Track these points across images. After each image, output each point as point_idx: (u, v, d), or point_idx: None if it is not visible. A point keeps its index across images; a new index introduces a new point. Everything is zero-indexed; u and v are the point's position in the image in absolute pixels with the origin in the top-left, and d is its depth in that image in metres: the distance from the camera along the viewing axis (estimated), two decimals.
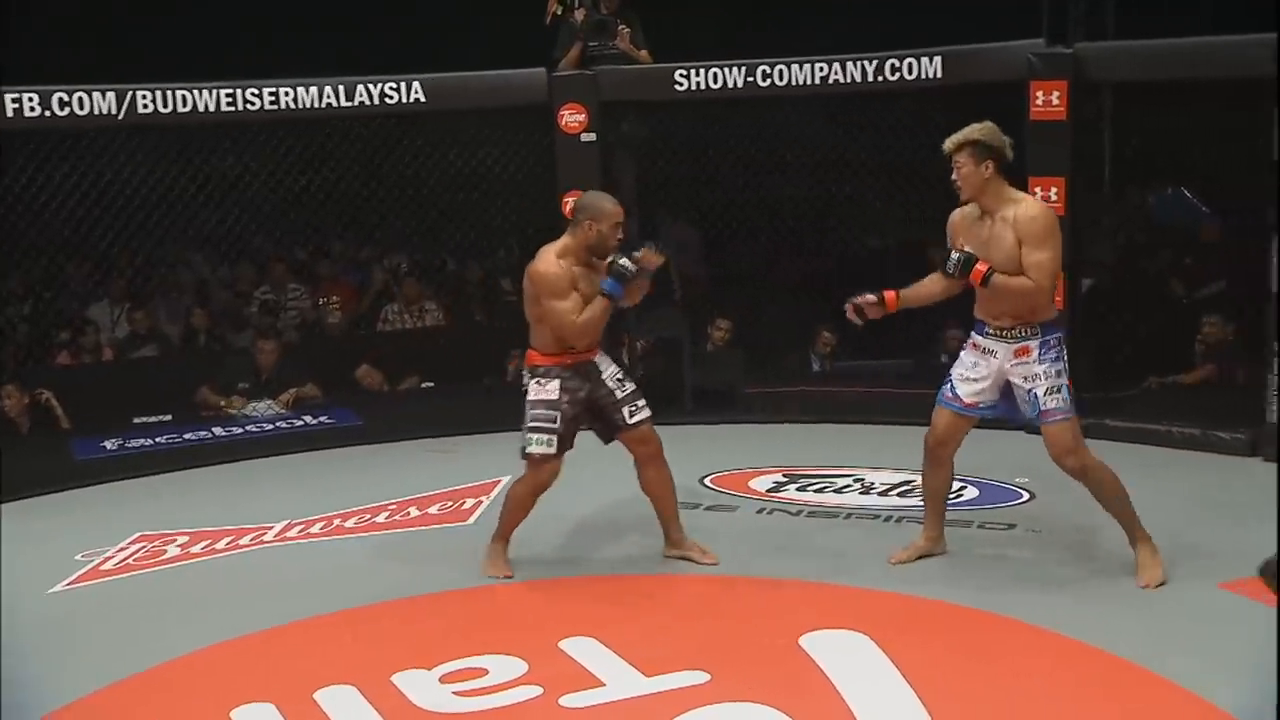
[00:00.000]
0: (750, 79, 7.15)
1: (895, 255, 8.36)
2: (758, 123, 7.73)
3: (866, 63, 7.00)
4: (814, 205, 8.15)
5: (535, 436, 4.92)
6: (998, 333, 4.75)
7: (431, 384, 8.37)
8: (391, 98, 7.12)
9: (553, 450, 4.91)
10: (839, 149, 7.78)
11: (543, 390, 4.92)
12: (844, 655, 4.26)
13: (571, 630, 4.51)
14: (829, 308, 7.78)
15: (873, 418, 7.20)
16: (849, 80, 7.04)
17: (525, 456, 4.96)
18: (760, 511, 5.88)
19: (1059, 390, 4.69)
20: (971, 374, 4.83)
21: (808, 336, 7.89)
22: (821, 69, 7.06)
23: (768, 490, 6.16)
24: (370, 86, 7.10)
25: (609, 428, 5.04)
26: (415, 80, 7.12)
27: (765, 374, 7.83)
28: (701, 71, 7.20)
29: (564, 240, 4.92)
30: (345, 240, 9.61)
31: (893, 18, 8.75)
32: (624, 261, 4.81)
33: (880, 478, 6.23)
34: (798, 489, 6.15)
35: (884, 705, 3.92)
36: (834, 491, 6.08)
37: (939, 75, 6.89)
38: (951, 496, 5.81)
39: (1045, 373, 4.69)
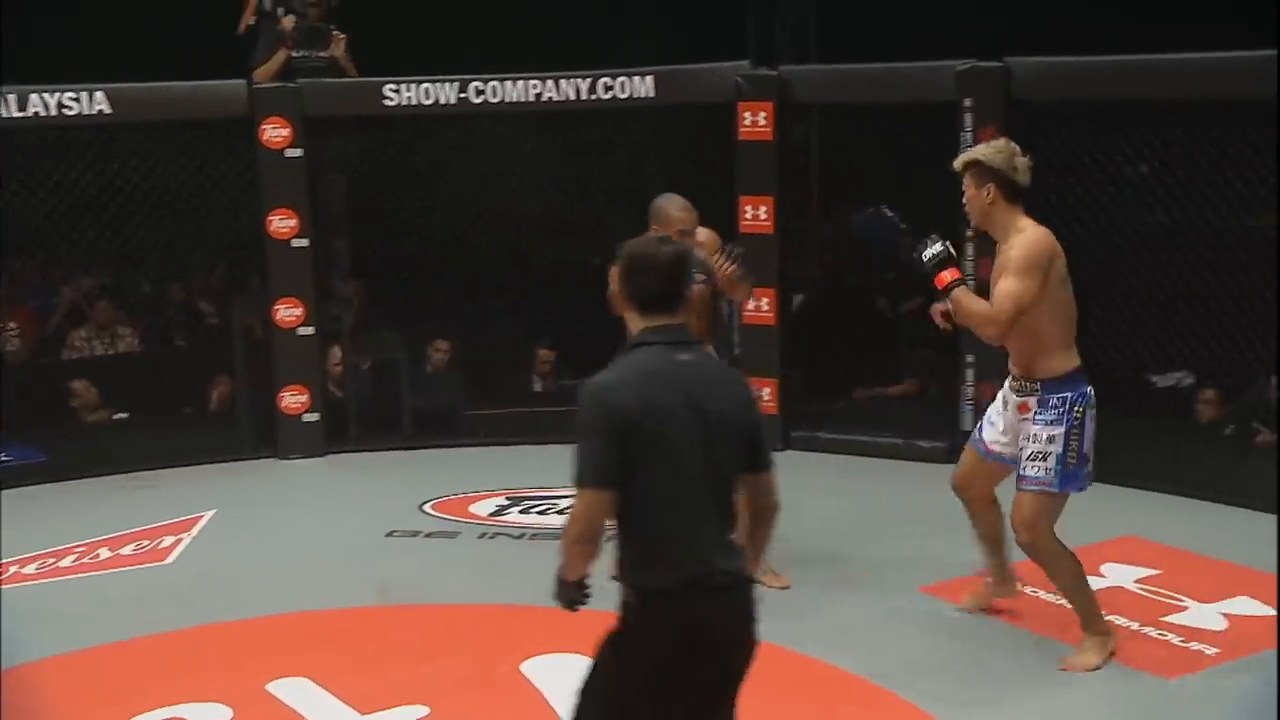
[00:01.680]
0: (463, 95, 7.01)
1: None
2: (474, 139, 7.61)
3: (580, 80, 6.99)
4: (534, 223, 8.07)
5: None
6: (1012, 381, 4.29)
7: (125, 414, 7.81)
8: (71, 108, 6.60)
9: None
10: (556, 166, 7.74)
11: None
12: (567, 679, 4.16)
13: (281, 671, 4.28)
14: (548, 326, 7.78)
15: None
16: (563, 97, 7.01)
17: None
18: (483, 536, 5.75)
19: (1044, 459, 4.13)
20: (994, 418, 4.41)
21: (528, 356, 7.81)
22: (535, 85, 7.00)
23: (490, 514, 6.03)
24: (47, 96, 6.56)
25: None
26: (98, 90, 6.62)
27: (486, 395, 7.69)
28: (413, 86, 7.00)
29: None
30: (25, 259, 8.85)
31: (611, 35, 8.81)
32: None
33: None
34: (520, 511, 6.05)
35: None
36: (557, 513, 5.99)
37: (651, 94, 6.94)
38: None
39: (1035, 436, 4.15)
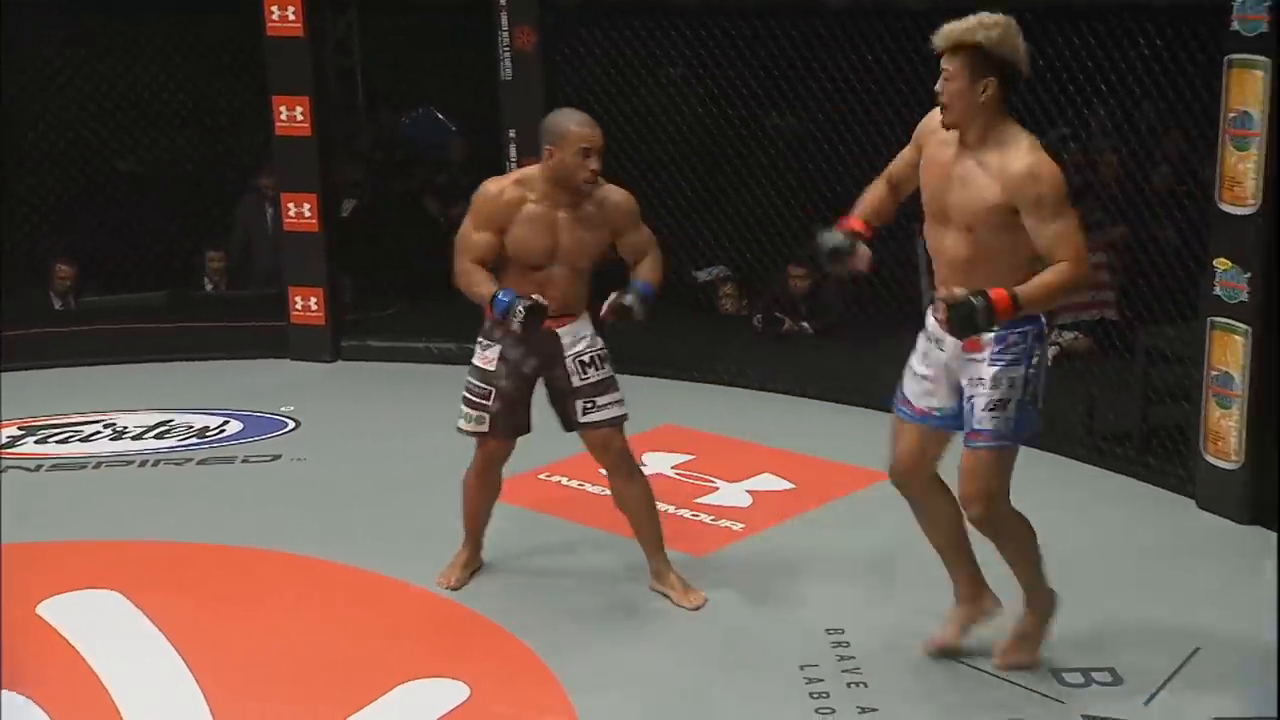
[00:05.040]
0: None
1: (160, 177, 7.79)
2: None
3: None
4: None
5: (465, 410, 3.98)
6: None
7: None
8: None
9: (484, 429, 3.97)
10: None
11: (481, 356, 3.96)
12: (90, 617, 3.95)
13: None
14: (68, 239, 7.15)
15: (124, 357, 6.67)
16: None
17: (459, 431, 4.05)
18: None
19: (1003, 406, 3.28)
20: (919, 368, 3.45)
21: (44, 272, 7.14)
22: None
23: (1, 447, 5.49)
24: None
25: (565, 419, 4.01)
26: None
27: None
28: None
29: (533, 167, 3.88)
30: None
31: None
32: (520, 309, 3.69)
33: (134, 420, 5.80)
34: (36, 441, 5.56)
35: (135, 664, 3.70)
36: (80, 440, 5.55)
37: None
38: (214, 431, 5.55)
39: (994, 379, 3.27)
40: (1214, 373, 4.55)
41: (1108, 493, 4.92)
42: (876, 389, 5.88)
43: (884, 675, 3.61)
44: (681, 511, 4.74)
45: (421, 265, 7.47)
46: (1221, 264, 4.45)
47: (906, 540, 4.38)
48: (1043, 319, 3.31)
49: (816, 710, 3.45)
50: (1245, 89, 4.30)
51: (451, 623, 3.97)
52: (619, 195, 3.91)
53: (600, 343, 3.98)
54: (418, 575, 4.22)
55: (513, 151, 6.30)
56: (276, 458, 5.39)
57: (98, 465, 5.32)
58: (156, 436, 5.59)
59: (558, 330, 3.89)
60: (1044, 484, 4.57)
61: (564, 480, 5.00)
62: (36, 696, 3.49)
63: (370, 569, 4.28)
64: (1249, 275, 4.38)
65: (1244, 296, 4.40)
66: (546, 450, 4.48)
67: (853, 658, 3.70)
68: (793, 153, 6.38)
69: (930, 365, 3.42)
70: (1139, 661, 3.64)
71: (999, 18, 3.10)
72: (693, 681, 3.64)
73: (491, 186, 3.81)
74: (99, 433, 5.65)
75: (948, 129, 3.21)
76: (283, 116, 6.46)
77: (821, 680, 3.59)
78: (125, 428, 5.71)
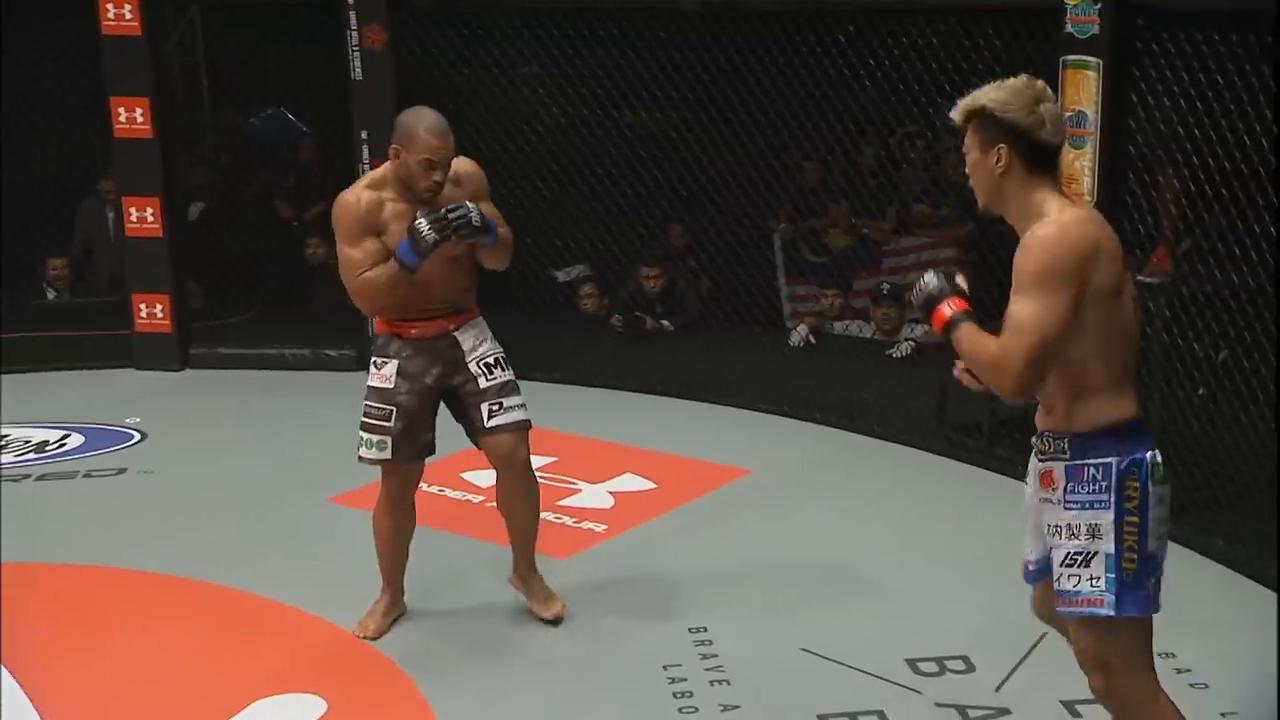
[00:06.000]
0: None
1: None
2: None
3: None
4: None
5: (365, 436, 3.73)
6: (1036, 438, 2.74)
7: None
8: None
9: (387, 454, 3.71)
10: None
11: (377, 375, 3.71)
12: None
13: None
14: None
15: None
16: None
17: (360, 460, 3.79)
18: None
19: (1085, 563, 2.62)
20: (1026, 509, 2.85)
21: None
22: None
23: None
24: None
25: (469, 427, 3.79)
26: None
27: None
28: None
29: (384, 167, 3.65)
30: None
31: None
32: (422, 222, 3.49)
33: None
34: None
35: None
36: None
37: None
38: (54, 446, 5.37)
39: (1070, 527, 2.64)
40: None
41: (958, 483, 5.05)
42: (735, 385, 6.00)
43: (746, 672, 3.65)
44: (545, 515, 4.70)
45: (273, 269, 7.35)
46: None
47: (766, 538, 4.49)
48: (1142, 453, 2.60)
49: (680, 710, 3.47)
50: (1080, 89, 4.46)
51: (308, 638, 3.90)
52: (468, 165, 3.74)
53: (499, 346, 3.83)
54: (272, 589, 4.14)
55: (365, 153, 6.21)
56: (122, 471, 5.24)
57: None
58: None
59: (455, 333, 3.74)
60: (899, 476, 4.66)
61: (423, 487, 4.91)
62: None
63: (224, 584, 4.19)
64: None
65: None
66: None
67: (715, 655, 3.73)
68: (647, 151, 6.41)
69: (1027, 504, 2.81)
70: (990, 649, 3.73)
71: (1017, 81, 2.65)
72: (557, 689, 3.63)
73: (348, 197, 3.61)
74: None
75: (981, 213, 2.78)
76: (122, 118, 6.27)
77: (685, 680, 3.61)
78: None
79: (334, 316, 6.95)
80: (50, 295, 7.16)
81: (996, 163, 2.62)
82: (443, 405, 3.83)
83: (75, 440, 5.53)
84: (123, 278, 6.67)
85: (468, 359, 3.73)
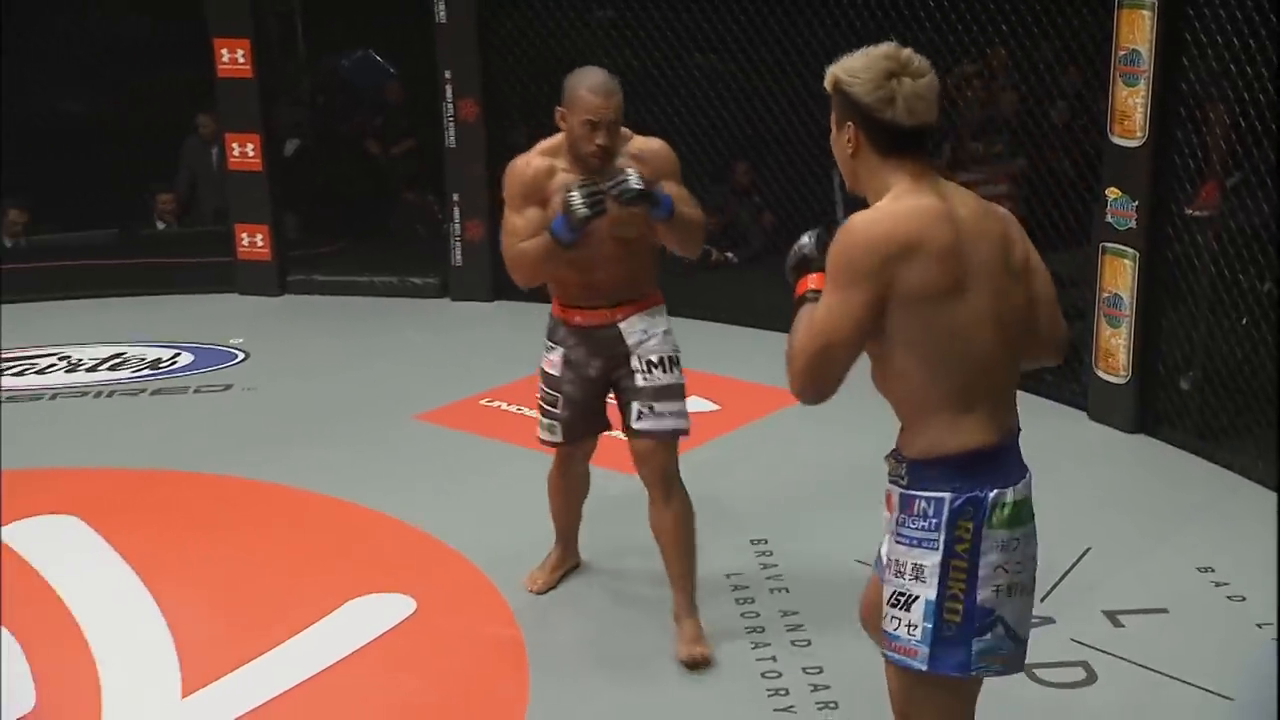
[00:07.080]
0: None
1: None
2: None
3: None
4: None
5: (541, 419, 3.57)
6: (887, 458, 2.34)
7: None
8: None
9: (558, 438, 3.55)
10: None
11: (546, 360, 3.52)
12: (51, 542, 4.06)
13: None
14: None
15: (77, 292, 6.81)
16: None
17: (540, 440, 3.65)
18: None
19: (907, 606, 2.23)
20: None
21: None
22: None
23: None
24: None
25: (624, 420, 3.50)
26: None
27: None
28: None
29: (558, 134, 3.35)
30: None
31: None
32: (575, 194, 3.17)
33: (88, 353, 5.94)
34: None
35: (97, 587, 3.80)
36: (37, 373, 5.70)
37: None
38: (167, 363, 5.68)
39: (898, 563, 2.25)
40: (1105, 294, 4.84)
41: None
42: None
43: (803, 581, 3.78)
44: (618, 434, 4.93)
45: (362, 204, 7.66)
46: (1112, 193, 4.74)
47: (822, 457, 4.64)
48: (983, 491, 2.20)
49: (742, 614, 3.62)
50: (1134, 29, 4.55)
51: (398, 542, 4.07)
52: (657, 144, 3.41)
53: (674, 342, 3.49)
54: (366, 497, 4.35)
55: (449, 93, 6.44)
56: (228, 387, 5.54)
57: (54, 396, 5.45)
58: (111, 369, 5.73)
59: (620, 324, 3.42)
60: None
61: (504, 405, 5.21)
62: (2, 618, 3.55)
63: (320, 491, 4.40)
64: (1137, 204, 4.67)
65: (1132, 224, 4.69)
66: (490, 376, 4.60)
67: (775, 565, 3.88)
68: (715, 91, 6.52)
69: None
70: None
71: (874, 51, 2.22)
72: (626, 592, 3.76)
73: (518, 162, 3.35)
74: (54, 365, 5.78)
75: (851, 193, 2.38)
76: (224, 59, 6.56)
77: (747, 588, 3.76)
78: (80, 360, 5.84)
79: (414, 244, 7.27)
80: (160, 226, 7.49)
81: (847, 142, 2.26)
82: None
83: (185, 358, 5.85)
84: (226, 209, 7.01)
85: (631, 353, 3.42)
